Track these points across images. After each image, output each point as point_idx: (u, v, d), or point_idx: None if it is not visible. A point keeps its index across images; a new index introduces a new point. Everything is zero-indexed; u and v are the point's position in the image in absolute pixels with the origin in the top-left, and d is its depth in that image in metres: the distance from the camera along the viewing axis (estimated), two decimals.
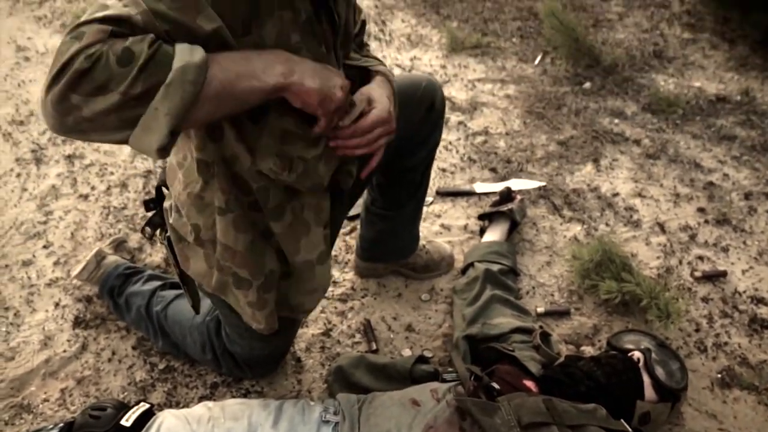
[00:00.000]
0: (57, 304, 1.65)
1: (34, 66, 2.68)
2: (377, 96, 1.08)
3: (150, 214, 1.24)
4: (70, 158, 2.18)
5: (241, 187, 1.04)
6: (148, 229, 1.22)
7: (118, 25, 0.76)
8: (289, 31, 0.92)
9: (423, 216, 1.94)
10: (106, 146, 2.23)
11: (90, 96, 0.74)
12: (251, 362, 1.41)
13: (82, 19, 0.77)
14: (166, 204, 1.19)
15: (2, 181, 2.08)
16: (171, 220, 1.16)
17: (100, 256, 1.65)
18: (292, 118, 0.98)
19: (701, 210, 1.97)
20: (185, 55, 0.78)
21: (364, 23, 1.27)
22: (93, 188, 2.05)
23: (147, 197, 1.52)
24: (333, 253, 1.81)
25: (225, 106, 0.85)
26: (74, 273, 1.64)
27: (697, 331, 1.60)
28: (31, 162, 2.16)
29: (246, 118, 0.97)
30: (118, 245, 1.79)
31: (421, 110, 1.37)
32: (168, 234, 1.19)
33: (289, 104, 0.93)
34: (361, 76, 1.15)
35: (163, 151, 0.79)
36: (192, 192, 1.07)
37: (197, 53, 0.79)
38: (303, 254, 1.14)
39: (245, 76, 0.85)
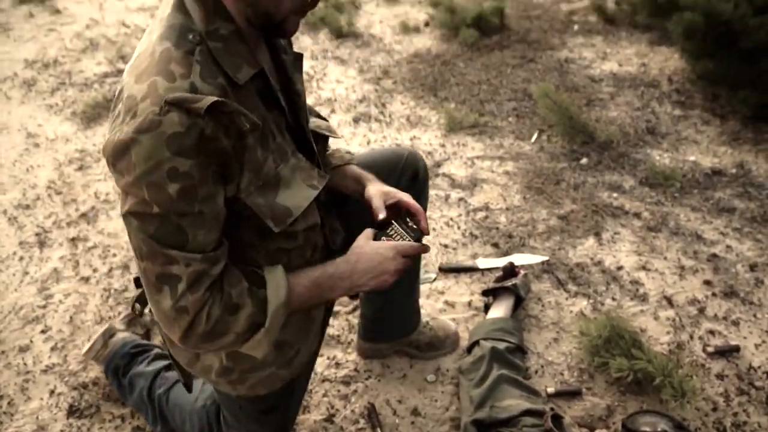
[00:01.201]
0: (52, 392, 1.61)
1: (43, 152, 2.75)
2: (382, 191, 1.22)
3: (140, 290, 1.23)
4: (73, 241, 2.19)
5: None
6: (137, 305, 1.22)
7: (202, 281, 0.94)
8: (279, 156, 1.02)
9: (426, 293, 1.92)
10: (110, 228, 2.25)
11: (213, 340, 0.98)
12: None
13: (170, 303, 0.94)
14: None
15: (4, 265, 2.08)
16: None
17: (108, 334, 1.62)
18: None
19: (708, 283, 1.95)
20: (274, 297, 1.00)
21: None
22: (95, 270, 2.05)
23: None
24: (336, 333, 1.78)
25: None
26: (83, 351, 1.62)
27: (714, 410, 1.54)
28: (35, 245, 2.17)
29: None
30: (132, 319, 1.76)
31: (405, 179, 1.41)
32: None
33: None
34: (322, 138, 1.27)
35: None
36: None
37: (282, 289, 1.01)
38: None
39: (316, 298, 1.07)
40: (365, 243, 1.11)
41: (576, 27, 3.79)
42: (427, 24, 3.90)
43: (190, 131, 0.85)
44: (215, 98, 0.87)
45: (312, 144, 1.12)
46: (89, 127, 2.93)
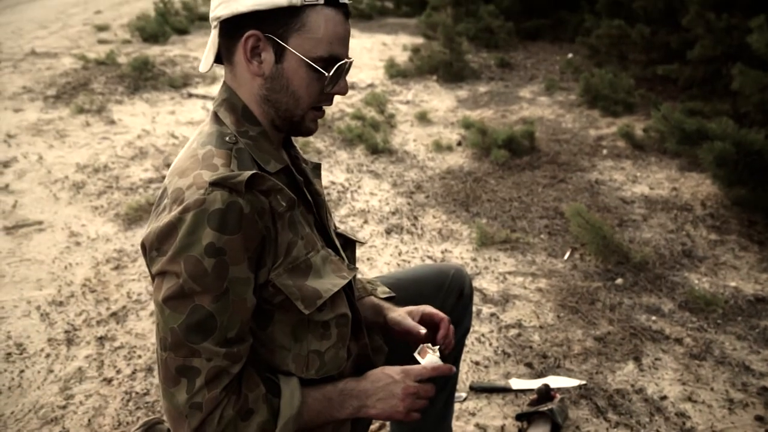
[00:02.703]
0: None
1: (83, 251, 2.83)
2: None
3: None
4: (101, 340, 2.18)
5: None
6: None
7: (221, 379, 0.93)
8: (310, 245, 1.04)
9: (456, 414, 1.82)
10: (138, 328, 2.24)
11: None
12: None
13: (185, 397, 0.92)
14: None
15: (30, 362, 2.07)
16: None
17: None
18: (293, 314, 1.02)
19: (760, 419, 1.81)
20: (287, 407, 0.98)
21: None
22: (118, 372, 2.01)
23: None
24: None
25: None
26: None
27: None
28: (63, 343, 2.16)
29: (255, 326, 1.02)
30: (150, 428, 1.69)
31: (452, 298, 1.40)
32: None
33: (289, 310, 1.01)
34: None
35: None
36: None
37: (296, 399, 0.99)
38: None
39: (324, 414, 1.04)
40: (381, 366, 1.11)
41: (605, 151, 3.89)
42: (459, 143, 4.06)
43: (230, 208, 0.91)
44: (253, 171, 0.94)
45: (335, 241, 1.14)
46: (130, 228, 3.03)
